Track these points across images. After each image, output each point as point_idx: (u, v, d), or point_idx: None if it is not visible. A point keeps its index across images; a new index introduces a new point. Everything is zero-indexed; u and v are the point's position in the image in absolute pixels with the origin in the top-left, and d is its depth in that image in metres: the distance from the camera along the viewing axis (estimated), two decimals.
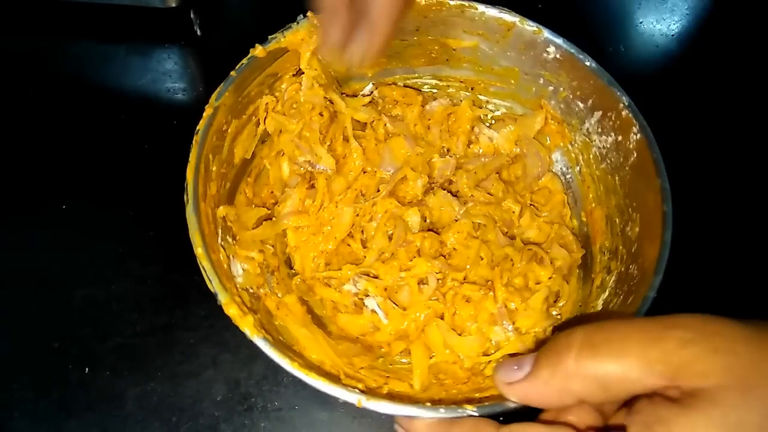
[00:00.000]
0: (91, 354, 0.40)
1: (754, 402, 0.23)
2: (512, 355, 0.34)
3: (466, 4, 0.42)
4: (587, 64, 0.41)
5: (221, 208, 0.38)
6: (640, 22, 0.57)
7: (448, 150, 0.47)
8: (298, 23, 0.40)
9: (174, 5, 0.50)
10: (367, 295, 0.40)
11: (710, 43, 0.57)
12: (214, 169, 0.38)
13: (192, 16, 0.53)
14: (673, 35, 0.57)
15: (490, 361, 0.38)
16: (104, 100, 0.50)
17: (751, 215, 0.48)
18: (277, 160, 0.44)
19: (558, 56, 0.42)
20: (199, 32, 0.53)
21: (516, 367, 0.27)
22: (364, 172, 0.44)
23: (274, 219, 0.42)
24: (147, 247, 0.44)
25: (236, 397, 0.40)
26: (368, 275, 0.40)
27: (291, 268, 0.42)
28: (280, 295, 0.39)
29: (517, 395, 0.27)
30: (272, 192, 0.44)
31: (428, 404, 0.30)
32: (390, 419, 0.37)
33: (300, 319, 0.38)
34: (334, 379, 0.31)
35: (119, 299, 0.42)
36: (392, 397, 0.32)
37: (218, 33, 0.53)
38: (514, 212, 0.44)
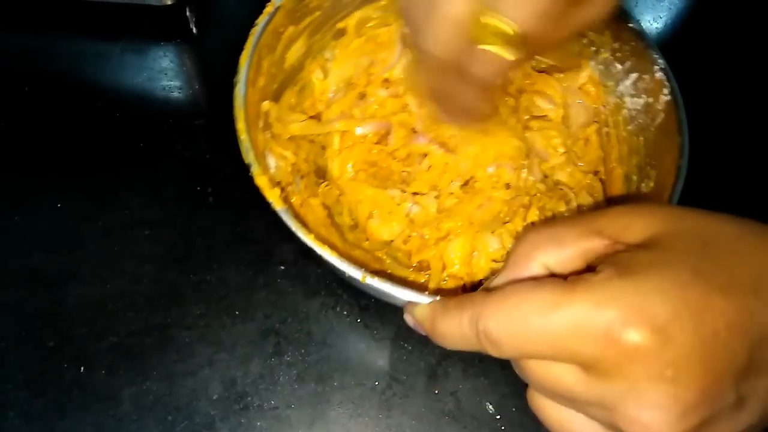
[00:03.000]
0: (85, 353, 0.40)
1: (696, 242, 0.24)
2: None
3: None
4: (631, 25, 0.42)
5: (266, 102, 0.40)
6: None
7: None
8: None
9: (170, 3, 0.50)
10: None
11: (705, 40, 0.57)
12: (264, 65, 0.40)
13: (188, 13, 0.52)
14: (668, 33, 0.57)
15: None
16: (100, 99, 0.50)
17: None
18: (333, 65, 0.46)
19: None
20: (194, 30, 0.53)
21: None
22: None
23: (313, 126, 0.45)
24: (142, 245, 0.44)
25: (232, 396, 0.39)
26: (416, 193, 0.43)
27: (320, 178, 0.44)
28: (305, 196, 0.41)
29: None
30: (314, 105, 0.46)
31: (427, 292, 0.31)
32: (388, 417, 0.37)
33: (320, 219, 0.41)
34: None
35: (114, 298, 0.42)
36: (393, 279, 0.32)
37: (214, 31, 0.53)
38: (556, 150, 0.45)
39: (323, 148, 0.45)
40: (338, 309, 0.43)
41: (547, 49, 0.35)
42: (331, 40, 0.46)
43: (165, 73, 0.51)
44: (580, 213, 0.42)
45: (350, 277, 0.32)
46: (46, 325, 0.41)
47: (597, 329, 0.23)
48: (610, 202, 0.44)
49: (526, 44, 0.30)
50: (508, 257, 0.29)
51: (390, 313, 0.42)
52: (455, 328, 0.27)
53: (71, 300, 0.42)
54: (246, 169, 0.35)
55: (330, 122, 0.45)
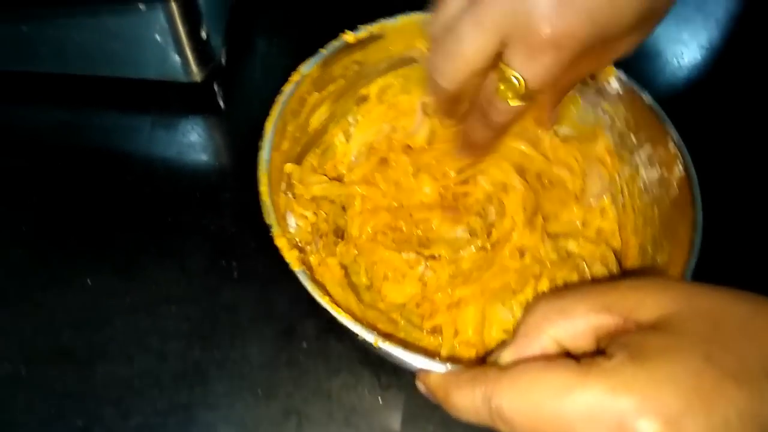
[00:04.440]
0: None
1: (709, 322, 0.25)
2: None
3: None
4: (644, 98, 0.42)
5: (289, 164, 0.42)
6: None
7: None
8: (392, 18, 0.44)
9: (199, 80, 0.52)
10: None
11: (720, 113, 0.58)
12: (289, 129, 0.42)
13: (215, 88, 0.54)
14: (683, 104, 0.57)
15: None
16: (130, 173, 0.51)
17: None
18: (356, 129, 0.49)
19: (618, 89, 0.43)
20: (222, 105, 0.54)
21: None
22: None
23: (335, 187, 0.46)
24: (168, 321, 0.45)
25: None
26: (433, 256, 0.44)
27: (338, 238, 0.45)
28: (323, 256, 0.42)
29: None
30: (336, 166, 0.48)
31: (439, 360, 0.31)
32: None
33: (337, 279, 0.42)
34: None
35: (141, 376, 0.43)
36: (407, 345, 0.33)
37: (241, 104, 0.55)
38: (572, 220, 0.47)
39: (343, 208, 0.46)
40: (359, 388, 0.43)
41: (555, 97, 0.39)
42: (353, 106, 0.48)
43: (193, 147, 0.52)
44: (594, 283, 0.42)
45: (363, 340, 0.33)
46: (75, 403, 0.42)
47: (611, 417, 0.23)
48: (625, 273, 0.44)
49: (534, 97, 0.34)
50: (517, 328, 0.29)
51: (411, 389, 0.43)
52: (468, 402, 0.28)
53: (100, 378, 0.43)
54: (270, 242, 0.36)
55: (352, 185, 0.47)
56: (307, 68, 0.42)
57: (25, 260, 0.47)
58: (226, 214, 0.50)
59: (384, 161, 0.48)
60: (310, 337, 0.45)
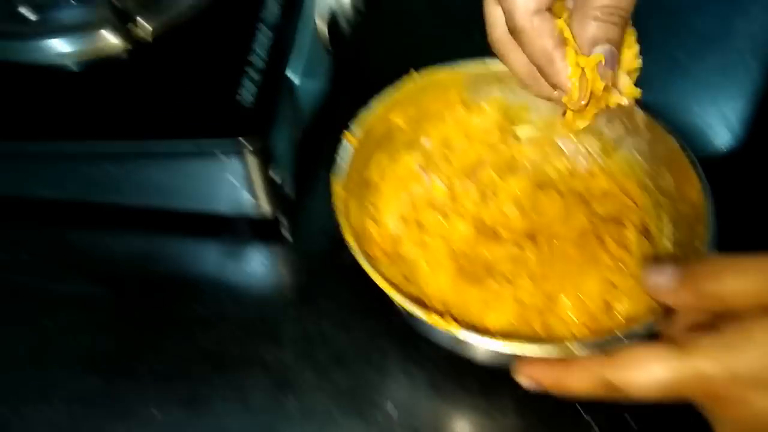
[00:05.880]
0: None
1: None
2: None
3: None
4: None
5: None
6: None
7: None
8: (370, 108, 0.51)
9: (268, 216, 0.55)
10: None
11: None
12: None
13: (282, 220, 0.57)
14: None
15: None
16: (197, 302, 0.54)
17: None
18: (378, 212, 0.52)
19: None
20: (289, 238, 0.57)
21: (660, 274, 0.35)
22: None
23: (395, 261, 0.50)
24: None
25: None
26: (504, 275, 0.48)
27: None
28: None
29: (658, 298, 0.36)
30: (381, 248, 0.50)
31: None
32: None
33: None
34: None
35: None
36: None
37: (306, 238, 0.57)
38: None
39: (406, 279, 0.49)
40: None
41: None
42: (366, 191, 0.52)
43: (258, 278, 0.55)
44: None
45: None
46: None
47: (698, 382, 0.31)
48: None
49: None
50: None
51: None
52: (584, 382, 0.34)
53: None
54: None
55: (410, 254, 0.50)
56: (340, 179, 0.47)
57: (98, 389, 0.49)
58: (287, 347, 0.51)
59: (420, 224, 0.52)
60: None
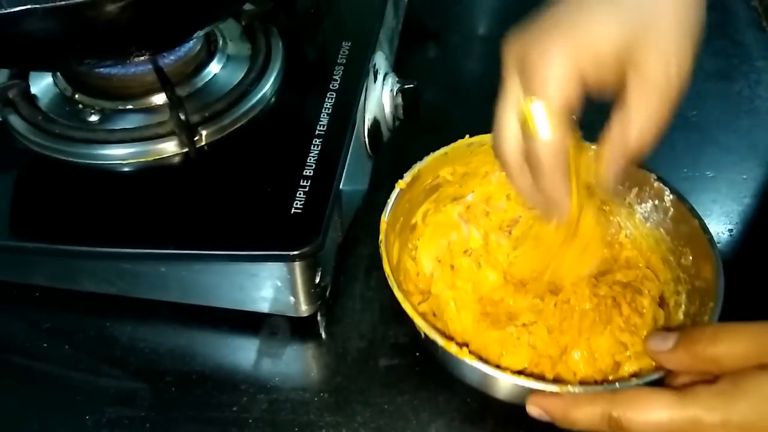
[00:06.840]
0: None
1: None
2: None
3: None
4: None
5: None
6: None
7: None
8: (423, 161, 0.55)
9: (306, 315, 0.56)
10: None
11: None
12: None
13: (318, 319, 0.58)
14: None
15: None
16: (234, 402, 0.54)
17: None
18: (417, 252, 0.56)
19: None
20: (324, 335, 0.58)
21: (662, 340, 0.39)
22: None
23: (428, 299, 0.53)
24: None
25: None
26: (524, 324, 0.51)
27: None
28: None
29: (659, 361, 0.40)
30: (416, 285, 0.55)
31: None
32: None
33: None
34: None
35: None
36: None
37: (340, 338, 0.58)
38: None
39: (434, 314, 0.53)
40: None
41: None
42: (409, 234, 0.57)
43: (294, 378, 0.55)
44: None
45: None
46: None
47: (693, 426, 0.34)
48: None
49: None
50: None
51: None
52: (588, 416, 0.38)
53: None
54: None
55: (441, 294, 0.54)
56: (386, 217, 0.51)
57: None
58: None
59: (453, 267, 0.55)
60: None
